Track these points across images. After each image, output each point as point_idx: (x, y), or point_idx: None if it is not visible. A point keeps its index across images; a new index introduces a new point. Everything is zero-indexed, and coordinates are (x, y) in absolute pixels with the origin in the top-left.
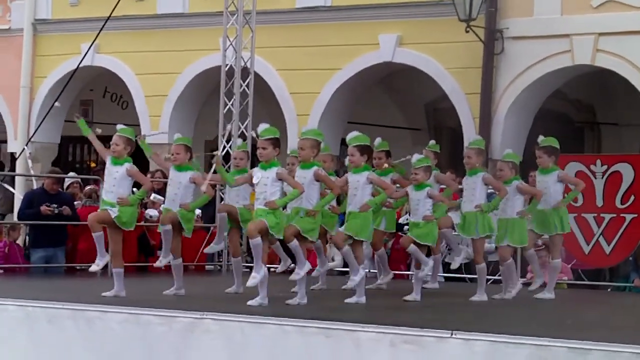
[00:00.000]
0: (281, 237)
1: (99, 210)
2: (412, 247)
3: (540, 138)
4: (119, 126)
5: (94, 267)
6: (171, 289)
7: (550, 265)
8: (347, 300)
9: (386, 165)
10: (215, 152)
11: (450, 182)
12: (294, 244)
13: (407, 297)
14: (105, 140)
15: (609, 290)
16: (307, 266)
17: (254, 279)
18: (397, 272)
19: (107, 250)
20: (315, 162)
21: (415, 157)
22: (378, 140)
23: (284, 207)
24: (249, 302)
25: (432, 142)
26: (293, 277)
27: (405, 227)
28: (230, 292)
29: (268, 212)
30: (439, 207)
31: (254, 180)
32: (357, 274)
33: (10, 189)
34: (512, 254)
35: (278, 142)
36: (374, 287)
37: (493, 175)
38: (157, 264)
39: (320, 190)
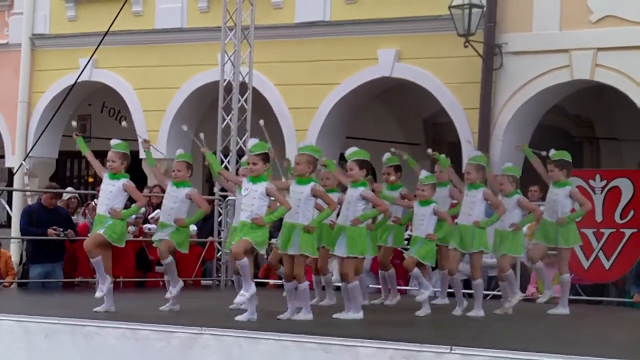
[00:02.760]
0: (264, 252)
1: (92, 231)
2: (416, 271)
3: (552, 152)
4: (113, 141)
5: (98, 293)
6: (167, 305)
7: (560, 280)
8: (336, 315)
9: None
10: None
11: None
12: (303, 286)
13: (419, 313)
14: (103, 155)
15: (620, 306)
16: (309, 314)
17: (242, 296)
18: (397, 287)
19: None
20: (312, 177)
21: (423, 173)
22: (387, 155)
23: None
24: (238, 318)
25: (442, 156)
26: (299, 316)
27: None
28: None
29: (252, 226)
30: (441, 225)
31: (243, 192)
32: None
33: (6, 206)
34: (512, 265)
35: (268, 157)
36: (378, 303)
37: (493, 190)
38: (168, 295)
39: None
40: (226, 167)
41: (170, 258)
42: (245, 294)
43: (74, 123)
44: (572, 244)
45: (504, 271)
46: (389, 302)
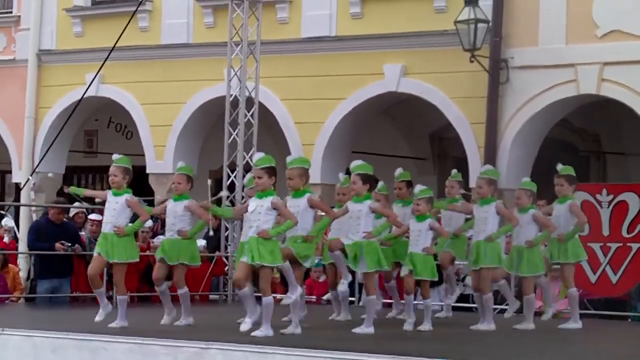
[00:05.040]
0: (274, 265)
1: (94, 253)
2: (409, 298)
3: (560, 166)
4: (115, 156)
5: (97, 318)
6: (181, 320)
7: (568, 295)
8: (355, 330)
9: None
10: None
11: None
12: (286, 265)
13: (420, 328)
14: (108, 170)
15: (629, 320)
16: (299, 290)
17: (246, 324)
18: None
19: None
20: (307, 189)
21: (418, 187)
22: (399, 170)
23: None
24: (253, 333)
25: (454, 171)
26: (285, 301)
27: None
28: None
29: (260, 241)
30: (440, 240)
31: (249, 209)
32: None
33: (13, 225)
34: (505, 277)
35: (274, 171)
36: (391, 317)
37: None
38: (163, 322)
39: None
40: (233, 182)
41: (164, 286)
42: (248, 321)
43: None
44: (572, 259)
45: (527, 294)
46: (392, 313)
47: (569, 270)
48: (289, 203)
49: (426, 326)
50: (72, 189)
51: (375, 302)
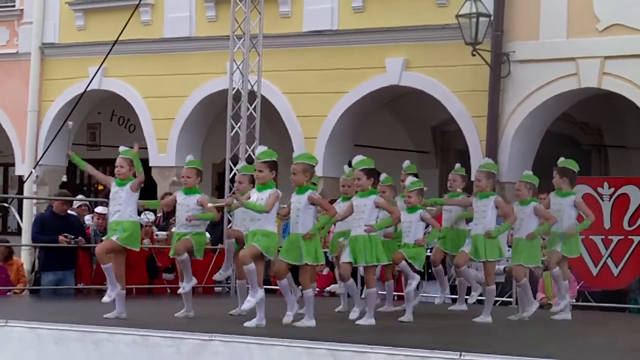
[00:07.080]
0: (272, 258)
1: (104, 238)
2: (402, 264)
3: (560, 159)
4: (122, 148)
5: (105, 299)
6: (181, 312)
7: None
8: (359, 322)
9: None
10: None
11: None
12: (308, 293)
13: (402, 318)
14: (112, 163)
15: (627, 312)
16: (312, 321)
17: (249, 302)
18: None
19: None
20: (309, 185)
21: (409, 180)
22: (407, 162)
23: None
24: (246, 324)
25: (458, 165)
26: (301, 323)
27: None
28: (234, 314)
29: (262, 233)
30: (432, 232)
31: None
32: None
33: (17, 215)
34: (526, 274)
35: (275, 165)
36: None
37: (502, 197)
38: (181, 290)
39: (316, 215)
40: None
41: (185, 255)
42: (252, 300)
43: (68, 152)
44: (574, 254)
45: (518, 280)
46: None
47: (564, 263)
48: (292, 199)
49: (408, 317)
50: (75, 158)
51: (375, 294)
